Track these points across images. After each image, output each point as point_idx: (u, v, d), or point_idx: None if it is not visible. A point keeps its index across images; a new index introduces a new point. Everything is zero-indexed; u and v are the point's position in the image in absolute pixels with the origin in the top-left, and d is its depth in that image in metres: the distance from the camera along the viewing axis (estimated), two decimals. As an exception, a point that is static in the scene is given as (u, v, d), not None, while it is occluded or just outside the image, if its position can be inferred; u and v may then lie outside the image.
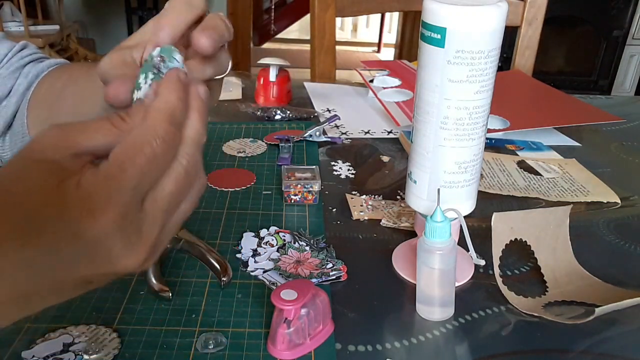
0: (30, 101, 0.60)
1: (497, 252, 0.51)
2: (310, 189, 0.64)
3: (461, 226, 0.49)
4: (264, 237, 0.58)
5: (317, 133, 0.82)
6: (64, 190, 0.30)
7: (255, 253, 0.55)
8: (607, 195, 0.70)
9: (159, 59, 0.38)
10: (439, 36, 0.45)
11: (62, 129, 0.32)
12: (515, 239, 0.52)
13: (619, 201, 0.69)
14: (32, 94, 0.60)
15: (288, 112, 0.90)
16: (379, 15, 4.68)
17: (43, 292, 0.31)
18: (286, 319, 0.42)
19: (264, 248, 0.56)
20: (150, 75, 0.38)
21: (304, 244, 0.57)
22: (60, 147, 0.32)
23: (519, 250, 0.54)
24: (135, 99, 0.38)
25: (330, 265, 0.54)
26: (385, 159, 0.79)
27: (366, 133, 0.87)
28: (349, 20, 5.09)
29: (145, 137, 0.32)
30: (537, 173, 0.75)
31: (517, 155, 0.81)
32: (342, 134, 0.86)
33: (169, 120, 0.33)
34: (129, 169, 0.31)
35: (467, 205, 0.52)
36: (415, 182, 0.51)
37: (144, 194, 0.32)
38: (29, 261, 0.29)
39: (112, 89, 0.39)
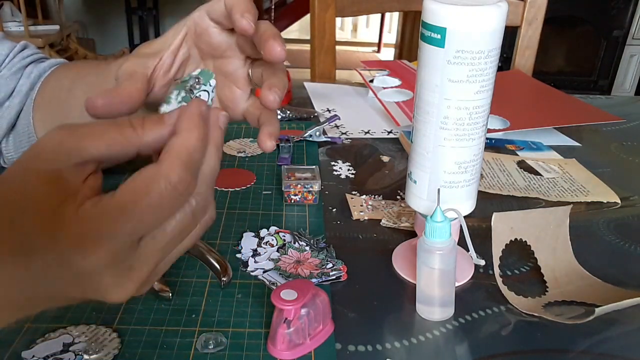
0: (35, 101, 0.60)
1: (497, 252, 0.51)
2: (310, 189, 0.64)
3: (461, 226, 0.49)
4: (264, 237, 0.58)
5: (317, 133, 0.82)
6: (61, 217, 0.29)
7: (255, 253, 0.55)
8: (607, 195, 0.70)
9: (195, 80, 0.39)
10: (439, 36, 0.45)
11: (68, 132, 0.31)
12: (515, 239, 0.52)
13: (619, 201, 0.69)
14: (37, 93, 0.60)
15: (288, 112, 0.90)
16: (379, 15, 4.68)
17: (36, 302, 0.31)
18: (286, 319, 0.42)
19: (264, 248, 0.56)
20: (182, 94, 0.39)
21: (304, 244, 0.57)
22: (64, 154, 0.31)
23: (519, 250, 0.54)
24: (160, 112, 0.38)
25: (330, 265, 0.54)
26: (385, 159, 0.79)
27: (366, 133, 0.87)
28: (349, 20, 5.09)
29: (155, 181, 0.30)
30: (537, 173, 0.75)
31: (517, 155, 0.81)
32: (342, 134, 0.86)
33: (185, 166, 0.31)
34: (130, 213, 0.29)
35: (467, 205, 0.52)
36: (415, 182, 0.51)
37: (140, 235, 0.31)
38: (19, 279, 0.29)
39: (89, 101, 0.38)
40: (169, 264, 0.34)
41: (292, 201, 0.65)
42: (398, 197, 0.68)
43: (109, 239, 0.29)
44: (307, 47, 1.29)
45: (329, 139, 0.83)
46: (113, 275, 0.30)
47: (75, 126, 0.31)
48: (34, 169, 0.30)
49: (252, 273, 0.52)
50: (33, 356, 0.42)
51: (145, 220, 0.30)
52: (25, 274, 0.29)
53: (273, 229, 0.59)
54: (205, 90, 0.39)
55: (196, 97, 0.39)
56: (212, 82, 0.39)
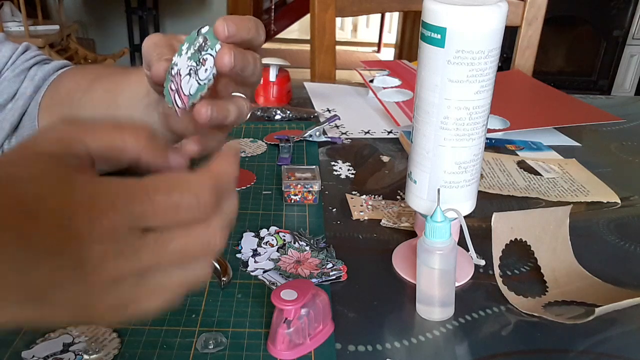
0: (42, 103, 0.60)
1: (497, 252, 0.51)
2: (310, 189, 0.64)
3: (461, 226, 0.50)
4: (264, 237, 0.58)
5: (317, 133, 0.82)
6: (73, 180, 0.28)
7: (255, 253, 0.55)
8: (607, 195, 0.70)
9: (204, 40, 0.40)
10: (439, 36, 0.45)
11: (70, 125, 0.31)
12: (515, 239, 0.52)
13: (619, 201, 0.69)
14: (43, 96, 0.60)
15: (288, 112, 0.90)
16: (379, 15, 4.68)
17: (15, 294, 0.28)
18: (286, 319, 0.42)
19: (264, 248, 0.56)
20: (192, 50, 0.40)
21: (304, 244, 0.57)
22: (66, 143, 0.30)
23: (519, 250, 0.54)
24: (172, 64, 0.41)
25: (330, 265, 0.54)
26: (385, 159, 0.79)
27: (366, 133, 0.87)
28: (349, 20, 5.09)
29: (181, 185, 0.30)
30: (537, 173, 0.75)
31: (517, 155, 0.81)
32: (342, 134, 0.86)
33: (214, 187, 0.31)
34: (146, 196, 0.29)
35: (467, 205, 0.52)
36: (415, 182, 0.51)
37: (146, 225, 0.29)
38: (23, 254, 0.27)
39: (155, 69, 0.40)
40: (156, 295, 0.31)
41: (292, 201, 0.65)
42: (398, 197, 0.68)
43: (122, 207, 0.28)
44: (307, 47, 1.29)
45: (329, 139, 0.83)
46: (114, 246, 0.28)
47: (77, 120, 0.32)
48: (34, 151, 0.30)
49: (252, 273, 0.52)
50: (33, 356, 0.42)
51: (157, 212, 0.29)
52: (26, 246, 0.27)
53: (273, 229, 0.59)
54: (210, 55, 0.39)
55: (203, 58, 0.39)
56: (217, 47, 0.39)
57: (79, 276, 0.28)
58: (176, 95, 0.41)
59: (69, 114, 0.58)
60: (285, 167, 0.68)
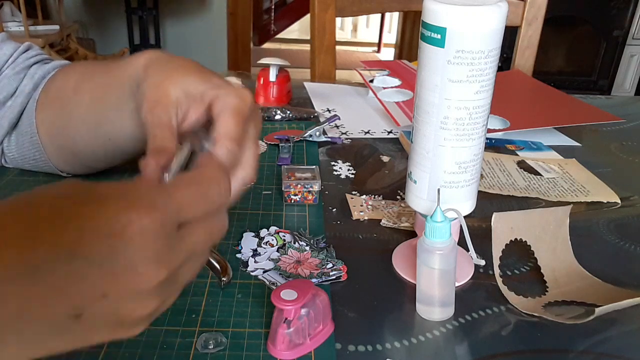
0: (38, 101, 0.60)
1: (497, 252, 0.51)
2: (310, 189, 0.64)
3: (461, 226, 0.50)
4: (264, 237, 0.58)
5: (317, 133, 0.82)
6: (107, 189, 0.29)
7: (255, 253, 0.55)
8: (607, 195, 0.70)
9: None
10: (439, 36, 0.45)
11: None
12: (515, 239, 0.52)
13: (619, 201, 0.69)
14: (40, 93, 0.61)
15: (288, 112, 0.90)
16: (379, 15, 4.68)
17: (31, 319, 0.27)
18: (286, 319, 0.42)
19: (264, 248, 0.56)
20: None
21: (304, 244, 0.57)
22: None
23: (519, 250, 0.54)
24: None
25: (330, 265, 0.54)
26: (385, 159, 0.79)
27: (366, 133, 0.87)
28: (349, 20, 5.09)
29: (205, 174, 0.34)
30: (537, 173, 0.75)
31: (517, 155, 0.81)
32: (342, 134, 0.86)
33: (226, 171, 0.36)
34: (182, 194, 0.31)
35: (467, 205, 0.52)
36: (415, 182, 0.51)
37: (181, 221, 0.31)
38: (33, 266, 0.26)
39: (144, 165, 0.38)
40: (180, 287, 0.33)
41: (292, 201, 0.65)
42: (398, 197, 0.68)
43: (163, 205, 0.29)
44: (307, 47, 1.29)
45: (329, 139, 0.83)
46: (153, 248, 0.29)
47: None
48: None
49: (252, 273, 0.52)
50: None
51: (193, 203, 0.32)
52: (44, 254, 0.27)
53: (273, 229, 0.59)
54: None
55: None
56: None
57: (129, 279, 0.28)
58: None
59: (59, 112, 0.58)
60: (285, 167, 0.68)
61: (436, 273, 0.46)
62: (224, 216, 0.35)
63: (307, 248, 0.56)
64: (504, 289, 0.51)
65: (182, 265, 0.32)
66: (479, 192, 0.53)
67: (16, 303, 0.26)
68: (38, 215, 0.27)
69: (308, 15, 1.24)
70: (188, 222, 0.32)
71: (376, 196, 0.68)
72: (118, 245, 0.27)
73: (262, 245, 0.56)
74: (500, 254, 0.51)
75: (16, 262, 0.26)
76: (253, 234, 0.58)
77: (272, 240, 0.57)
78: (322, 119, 0.90)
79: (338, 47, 1.25)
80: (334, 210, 0.64)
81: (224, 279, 0.50)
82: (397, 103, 0.92)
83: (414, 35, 4.04)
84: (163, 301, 0.31)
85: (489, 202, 0.67)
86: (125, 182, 0.31)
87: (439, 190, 0.48)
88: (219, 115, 0.42)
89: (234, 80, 1.07)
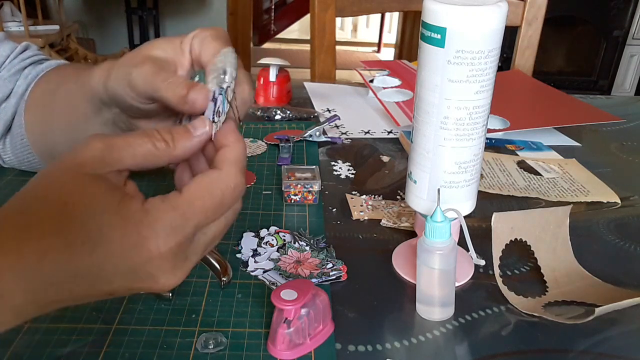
0: (27, 103, 0.60)
1: (497, 252, 0.51)
2: (310, 189, 0.64)
3: (461, 226, 0.50)
4: (264, 237, 0.58)
5: (317, 133, 0.82)
6: (127, 211, 0.32)
7: (255, 253, 0.55)
8: (607, 195, 0.70)
9: (222, 79, 0.40)
10: (439, 36, 0.45)
11: (106, 143, 0.34)
12: (515, 239, 0.52)
13: (619, 201, 0.69)
14: (28, 95, 0.60)
15: (288, 112, 0.90)
16: (379, 15, 4.68)
17: (66, 301, 0.32)
18: (286, 319, 0.42)
19: (264, 248, 0.56)
20: (214, 85, 0.39)
21: (304, 244, 0.57)
22: (107, 164, 0.33)
23: (519, 250, 0.54)
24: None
25: (330, 265, 0.54)
26: (385, 159, 0.79)
27: (366, 133, 0.87)
28: (349, 20, 5.10)
29: (219, 183, 0.35)
30: (537, 173, 0.75)
31: (517, 155, 0.81)
32: (342, 134, 0.86)
33: (241, 173, 0.36)
34: (198, 208, 0.34)
35: (467, 205, 0.52)
36: (415, 182, 0.51)
37: (200, 229, 0.35)
38: (72, 272, 0.31)
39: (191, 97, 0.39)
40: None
41: (292, 201, 0.65)
42: (398, 197, 0.68)
43: (181, 228, 0.33)
44: (307, 47, 1.29)
45: (329, 139, 0.83)
46: (172, 264, 0.33)
47: (112, 138, 0.34)
48: (84, 173, 0.33)
49: (252, 273, 0.52)
50: None
51: (209, 216, 0.35)
52: (81, 265, 0.31)
53: (273, 229, 0.59)
54: (227, 101, 0.39)
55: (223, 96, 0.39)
56: (230, 95, 0.39)
57: (150, 286, 0.34)
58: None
59: (42, 116, 0.58)
60: (285, 167, 0.68)
61: (436, 273, 0.46)
62: (239, 204, 0.38)
63: (307, 248, 0.56)
64: (504, 289, 0.51)
65: (201, 254, 0.37)
66: (479, 192, 0.53)
67: (58, 295, 0.32)
68: (71, 232, 0.31)
69: (308, 15, 1.24)
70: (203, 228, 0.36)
71: (376, 196, 0.68)
72: (136, 265, 0.32)
73: (262, 245, 0.56)
74: (500, 254, 0.51)
75: (62, 270, 0.31)
76: (253, 234, 0.58)
77: (272, 240, 0.57)
78: (322, 119, 0.90)
79: (338, 47, 1.25)
80: (334, 210, 0.64)
81: (224, 279, 0.50)
82: (397, 103, 0.92)
83: (414, 35, 4.04)
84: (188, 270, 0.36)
85: (489, 202, 0.67)
86: (152, 199, 0.34)
87: (439, 190, 0.48)
88: (203, 45, 0.42)
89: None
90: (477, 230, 0.60)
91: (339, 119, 0.87)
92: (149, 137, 0.35)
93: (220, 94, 0.38)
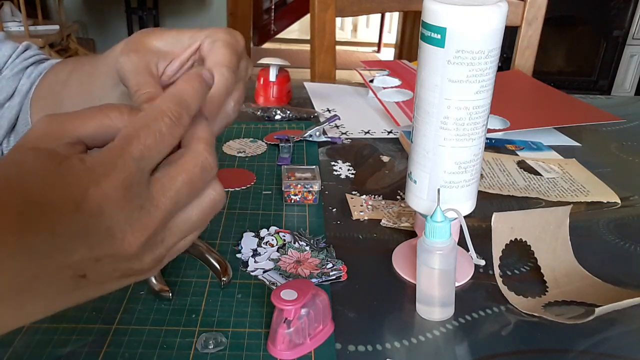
0: (32, 99, 0.61)
1: (497, 252, 0.51)
2: (310, 189, 0.64)
3: (461, 226, 0.50)
4: (264, 237, 0.58)
5: (317, 133, 0.82)
6: (66, 168, 0.29)
7: (255, 253, 0.55)
8: (607, 195, 0.70)
9: None
10: (439, 36, 0.45)
11: (55, 117, 0.32)
12: (515, 239, 0.52)
13: (619, 201, 0.69)
14: (34, 91, 0.61)
15: (288, 112, 0.90)
16: (379, 15, 4.68)
17: (39, 286, 0.29)
18: (286, 319, 0.42)
19: (264, 248, 0.56)
20: None
21: (304, 244, 0.57)
22: (55, 136, 0.31)
23: (519, 250, 0.54)
24: None
25: (330, 265, 0.54)
26: (385, 159, 0.79)
27: (366, 133, 0.87)
28: (349, 20, 5.10)
29: (151, 115, 0.31)
30: (537, 173, 0.75)
31: (517, 155, 0.81)
32: (342, 134, 0.86)
33: (177, 102, 0.32)
34: (134, 142, 0.30)
35: (467, 205, 0.52)
36: (415, 182, 0.51)
37: (149, 169, 0.31)
38: (26, 248, 0.28)
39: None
40: (178, 235, 0.33)
41: (292, 201, 0.65)
42: (398, 197, 0.68)
43: (121, 164, 0.29)
44: (307, 47, 1.29)
45: (329, 139, 0.83)
46: (125, 211, 0.29)
47: (63, 113, 0.33)
48: (28, 147, 0.31)
49: (252, 273, 0.52)
50: None
51: (149, 146, 0.30)
52: (33, 237, 0.28)
53: (273, 229, 0.59)
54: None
55: None
56: None
57: (113, 247, 0.30)
58: None
59: (52, 106, 0.58)
60: (285, 167, 0.68)
61: (436, 273, 0.46)
62: (201, 158, 0.33)
63: (307, 248, 0.56)
64: (504, 289, 0.51)
65: (169, 219, 0.32)
66: (479, 192, 0.53)
67: (21, 276, 0.28)
68: (16, 201, 0.28)
69: (308, 15, 1.24)
70: (159, 173, 0.32)
71: (376, 196, 0.68)
72: (88, 219, 0.28)
73: (262, 245, 0.56)
74: (500, 254, 0.51)
75: (14, 245, 0.28)
76: (253, 234, 0.58)
77: (272, 240, 0.57)
78: (322, 119, 0.90)
79: (338, 47, 1.25)
80: (334, 210, 0.64)
81: (224, 279, 0.50)
82: (397, 103, 0.92)
83: (414, 35, 4.04)
84: (166, 249, 0.32)
85: (489, 202, 0.67)
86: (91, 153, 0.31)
87: (439, 190, 0.48)
88: (211, 49, 0.42)
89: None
90: (477, 230, 0.60)
91: (339, 119, 0.87)
92: (103, 108, 0.33)
93: None
